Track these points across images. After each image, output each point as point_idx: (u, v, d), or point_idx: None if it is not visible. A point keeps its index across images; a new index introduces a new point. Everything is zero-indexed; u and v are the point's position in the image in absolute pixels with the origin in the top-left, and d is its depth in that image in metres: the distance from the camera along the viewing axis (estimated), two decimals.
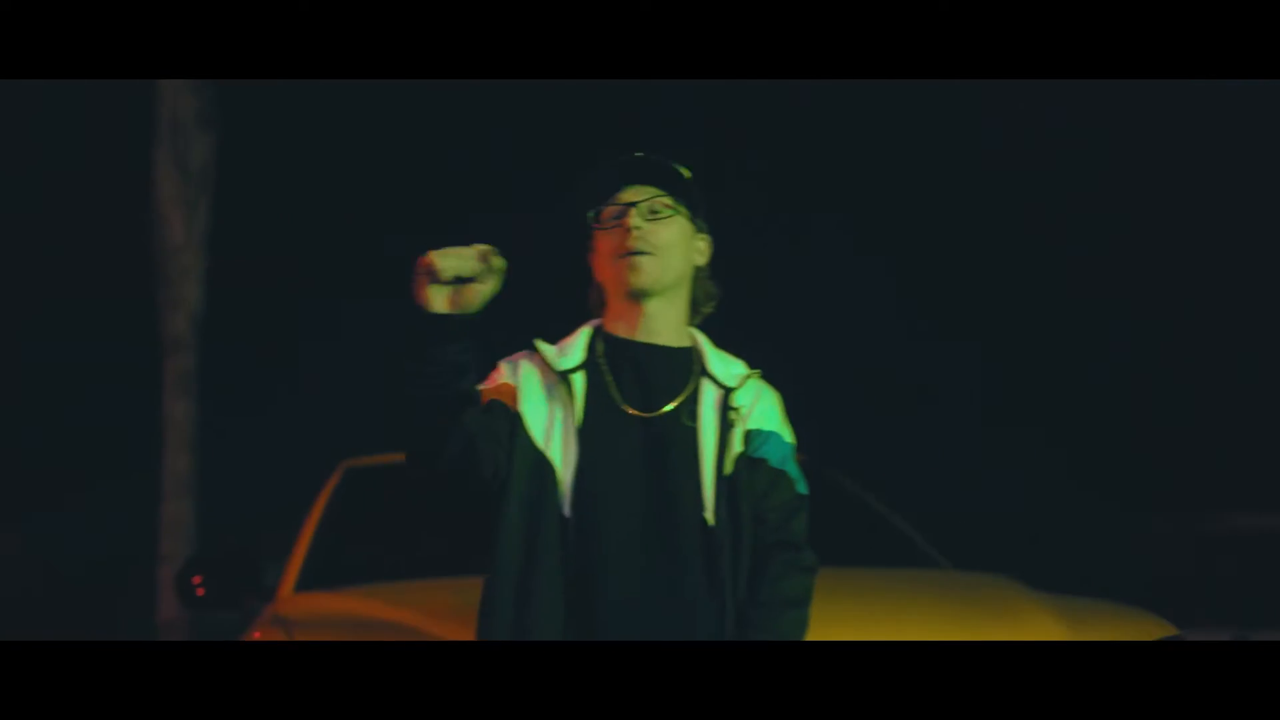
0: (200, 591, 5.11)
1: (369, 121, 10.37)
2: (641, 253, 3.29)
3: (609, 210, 3.34)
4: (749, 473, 3.29)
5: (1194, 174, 10.20)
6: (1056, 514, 10.03)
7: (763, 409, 3.37)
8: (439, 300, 3.11)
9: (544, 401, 3.29)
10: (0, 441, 10.67)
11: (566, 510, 3.22)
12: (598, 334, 3.38)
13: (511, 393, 3.29)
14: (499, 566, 3.23)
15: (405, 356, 3.11)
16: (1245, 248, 10.21)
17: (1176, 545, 10.07)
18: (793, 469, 3.35)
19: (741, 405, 3.33)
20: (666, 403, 3.29)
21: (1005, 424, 10.37)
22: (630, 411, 3.27)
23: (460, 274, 3.10)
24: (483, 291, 3.13)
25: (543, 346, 3.35)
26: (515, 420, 3.26)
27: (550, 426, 3.26)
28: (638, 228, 3.30)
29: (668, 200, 3.35)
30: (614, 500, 3.23)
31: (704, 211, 3.42)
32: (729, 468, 3.27)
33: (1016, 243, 10.59)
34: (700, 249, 3.41)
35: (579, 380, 3.29)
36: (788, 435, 3.39)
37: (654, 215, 3.33)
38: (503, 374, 3.33)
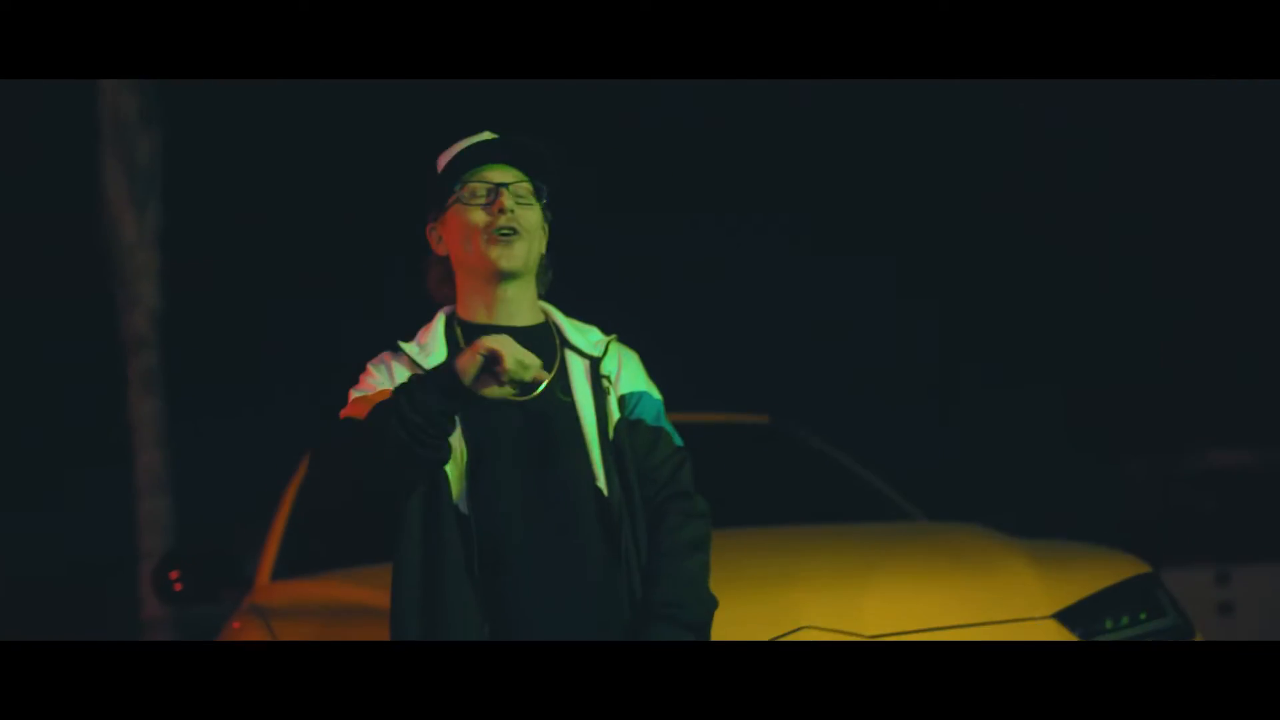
0: (178, 587, 5.10)
1: (320, 113, 10.33)
2: (514, 232, 3.27)
3: (473, 187, 3.30)
4: (630, 435, 3.31)
5: (1155, 136, 10.24)
6: (1025, 461, 10.08)
7: (629, 372, 3.39)
8: (474, 377, 3.08)
9: None
10: None
11: (464, 507, 3.19)
12: (453, 322, 3.35)
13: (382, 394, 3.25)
14: (402, 570, 3.20)
15: (410, 405, 3.07)
16: (1210, 200, 10.27)
17: (1147, 487, 10.13)
18: (667, 424, 3.37)
19: (609, 372, 3.35)
20: (537, 384, 3.24)
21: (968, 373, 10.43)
22: (504, 397, 3.19)
23: (514, 378, 3.08)
24: (505, 391, 3.11)
25: (407, 346, 3.31)
26: None
27: None
28: (510, 210, 3.27)
29: (530, 186, 3.33)
30: (506, 488, 3.21)
31: (553, 194, 3.40)
32: (612, 434, 3.28)
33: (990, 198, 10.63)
34: (544, 238, 3.40)
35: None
36: (655, 392, 3.41)
37: (520, 199, 3.31)
38: (376, 379, 3.29)
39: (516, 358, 3.06)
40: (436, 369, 3.12)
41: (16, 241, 10.55)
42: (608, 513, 3.24)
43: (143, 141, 8.99)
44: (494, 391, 3.09)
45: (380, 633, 3.59)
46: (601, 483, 3.24)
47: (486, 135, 3.36)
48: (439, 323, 3.35)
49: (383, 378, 3.28)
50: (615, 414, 3.32)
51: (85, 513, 9.99)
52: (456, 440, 3.21)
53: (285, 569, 4.89)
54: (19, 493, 10.62)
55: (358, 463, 3.11)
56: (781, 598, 3.76)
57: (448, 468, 3.20)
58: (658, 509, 3.30)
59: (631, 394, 3.36)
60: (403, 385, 3.13)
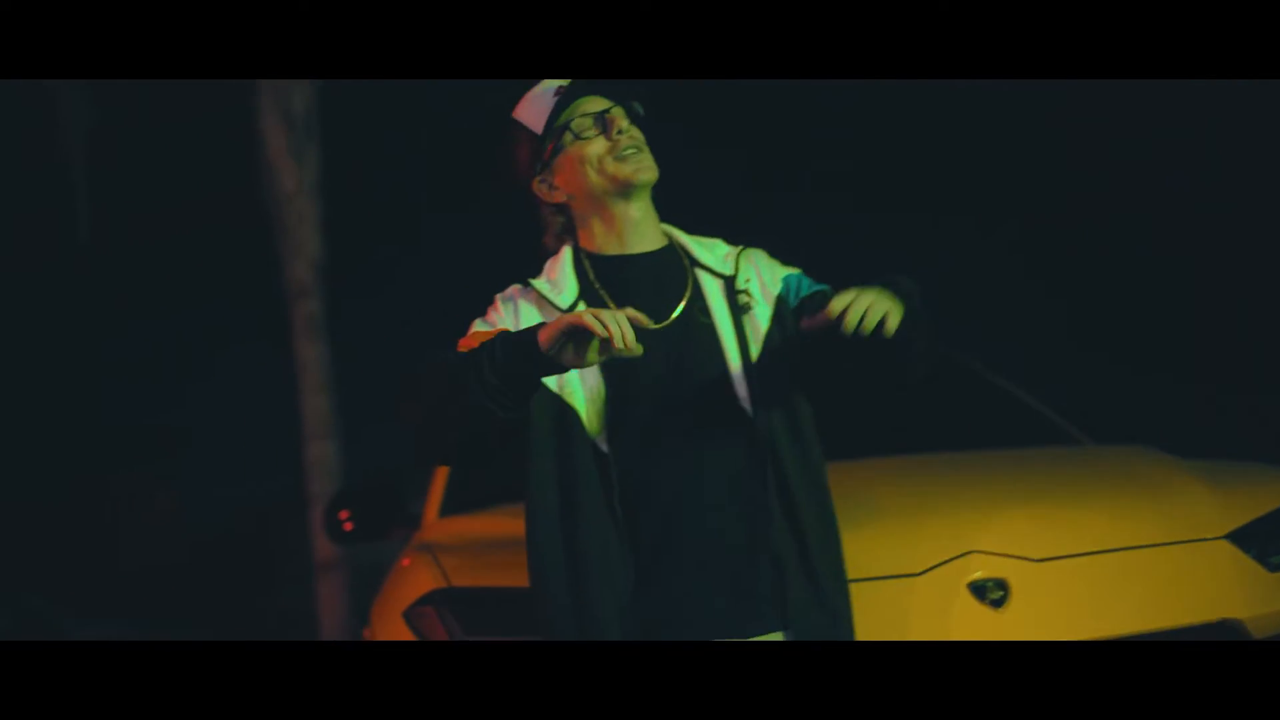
0: (348, 527, 5.18)
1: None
2: (639, 149, 3.25)
3: (578, 123, 3.27)
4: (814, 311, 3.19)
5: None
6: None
7: (767, 272, 3.32)
8: (557, 345, 2.98)
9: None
10: (144, 397, 10.85)
11: (602, 445, 3.15)
12: (580, 256, 3.31)
13: None
14: (538, 515, 3.19)
15: (491, 366, 3.00)
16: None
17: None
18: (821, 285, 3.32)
19: (748, 286, 3.28)
20: (674, 307, 3.24)
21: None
22: (642, 326, 3.14)
23: (613, 350, 2.95)
24: (591, 359, 3.00)
25: (538, 283, 3.29)
26: None
27: (564, 378, 3.19)
28: (625, 130, 3.26)
29: (623, 110, 3.30)
30: (645, 422, 3.17)
31: (645, 118, 3.38)
32: (758, 352, 3.22)
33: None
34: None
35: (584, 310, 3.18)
36: (795, 269, 3.35)
37: (634, 120, 3.30)
38: (500, 315, 3.27)
39: (608, 322, 2.92)
40: (526, 331, 3.01)
41: (176, 195, 10.74)
42: (754, 436, 3.18)
43: (299, 91, 9.09)
44: (585, 360, 2.97)
45: None
46: (745, 403, 3.19)
47: (553, 82, 3.32)
48: (566, 257, 3.32)
49: (507, 315, 3.27)
50: (764, 327, 3.25)
51: (252, 459, 10.18)
52: (594, 375, 3.18)
53: (452, 505, 4.95)
54: (187, 444, 10.85)
55: (431, 405, 3.07)
56: (946, 523, 3.74)
57: (581, 403, 3.17)
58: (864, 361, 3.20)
59: (785, 285, 3.31)
60: (489, 343, 3.03)
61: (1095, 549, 3.72)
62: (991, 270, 10.20)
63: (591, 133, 3.26)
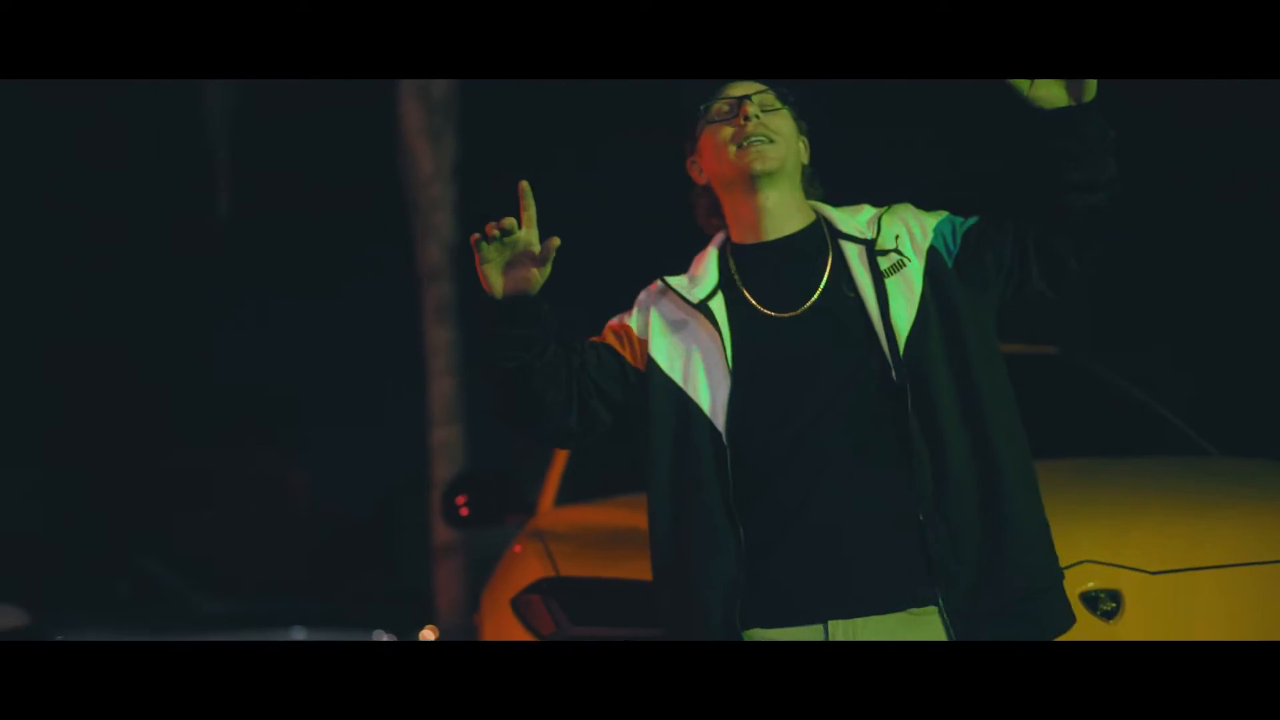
0: (464, 512, 5.21)
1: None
2: (762, 137, 3.21)
3: (717, 107, 3.26)
4: (974, 257, 3.17)
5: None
6: None
7: (915, 222, 3.25)
8: (497, 285, 3.10)
9: (680, 340, 3.21)
10: (279, 374, 10.99)
11: (725, 440, 3.12)
12: (726, 249, 3.30)
13: (637, 345, 3.24)
14: (654, 511, 3.19)
15: (481, 335, 3.14)
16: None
17: None
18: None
19: (892, 245, 3.21)
20: (813, 291, 3.19)
21: None
22: (776, 315, 3.17)
23: (509, 246, 3.06)
24: (534, 275, 3.08)
25: (673, 280, 3.28)
26: (643, 373, 3.21)
27: (689, 364, 3.18)
28: (755, 116, 3.22)
29: (773, 96, 3.27)
30: (774, 412, 3.12)
31: (805, 114, 3.34)
32: (908, 315, 3.14)
33: None
34: (801, 150, 3.33)
35: (717, 306, 3.21)
36: (942, 213, 3.28)
37: (765, 107, 3.25)
38: (630, 316, 3.28)
39: (493, 226, 3.07)
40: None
41: (316, 177, 10.86)
42: (900, 408, 3.10)
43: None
44: (518, 283, 3.08)
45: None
46: (894, 375, 3.11)
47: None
48: (711, 252, 3.31)
49: (637, 315, 3.28)
50: (918, 285, 3.16)
51: (383, 441, 10.28)
52: (718, 379, 3.15)
53: (568, 494, 4.95)
54: (326, 419, 10.98)
55: (492, 402, 3.24)
56: (1060, 532, 3.67)
57: (705, 410, 3.14)
58: (1039, 233, 3.17)
59: (937, 233, 3.23)
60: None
61: (1213, 563, 3.63)
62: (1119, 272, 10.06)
63: (723, 117, 3.25)
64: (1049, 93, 3.13)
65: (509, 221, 3.07)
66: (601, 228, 10.31)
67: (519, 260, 3.09)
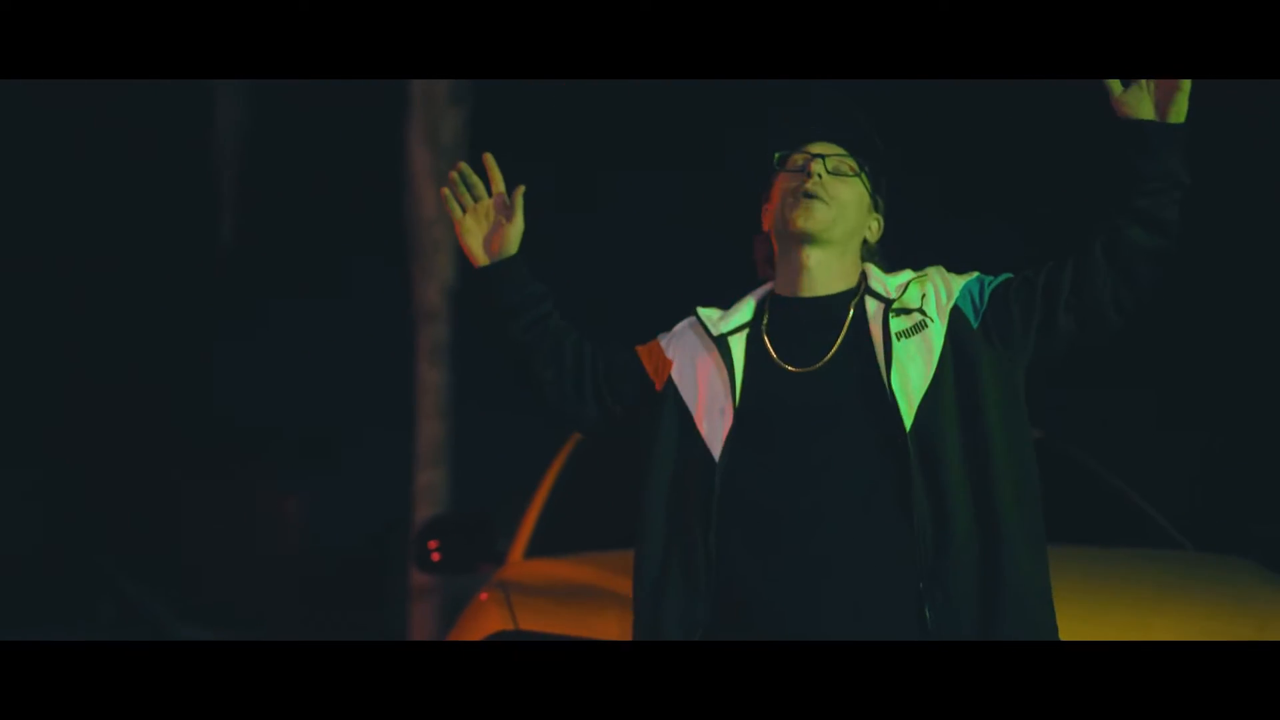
0: (435, 557, 5.19)
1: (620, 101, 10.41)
2: (816, 197, 3.22)
3: (795, 158, 3.28)
4: (1000, 314, 3.15)
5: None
6: None
7: (942, 288, 3.23)
8: (479, 253, 3.31)
9: (697, 369, 3.24)
10: (274, 406, 11.00)
11: (716, 476, 3.12)
12: (766, 297, 3.31)
13: (662, 364, 3.27)
14: (644, 538, 3.19)
15: (480, 311, 3.32)
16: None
17: None
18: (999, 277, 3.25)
19: (922, 303, 3.19)
20: (830, 348, 3.18)
21: None
22: (791, 369, 3.18)
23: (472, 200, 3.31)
24: (510, 234, 3.30)
25: (704, 313, 3.30)
26: (660, 393, 3.24)
27: (703, 396, 3.20)
28: (819, 175, 3.23)
29: (853, 163, 3.28)
30: (772, 458, 3.12)
31: (884, 192, 3.35)
32: (929, 377, 3.12)
33: None
34: (872, 227, 3.33)
35: (737, 344, 3.23)
36: (973, 274, 3.26)
37: (836, 172, 3.26)
38: (661, 345, 3.32)
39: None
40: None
41: (318, 214, 10.90)
42: (904, 472, 3.07)
43: (448, 119, 9.20)
44: (498, 246, 3.29)
45: (614, 619, 3.61)
46: (902, 436, 3.08)
47: (802, 109, 3.34)
48: (752, 296, 3.33)
49: (669, 339, 3.32)
50: (937, 345, 3.14)
51: (360, 482, 10.29)
52: (723, 415, 3.16)
53: (539, 547, 4.95)
54: (306, 459, 10.97)
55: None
56: None
57: (705, 443, 3.15)
58: (1080, 265, 3.15)
59: (964, 292, 3.21)
60: None
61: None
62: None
63: (794, 169, 3.27)
64: (1137, 100, 3.14)
65: (462, 165, 3.34)
66: (605, 271, 10.34)
67: (496, 226, 3.31)
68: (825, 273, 3.25)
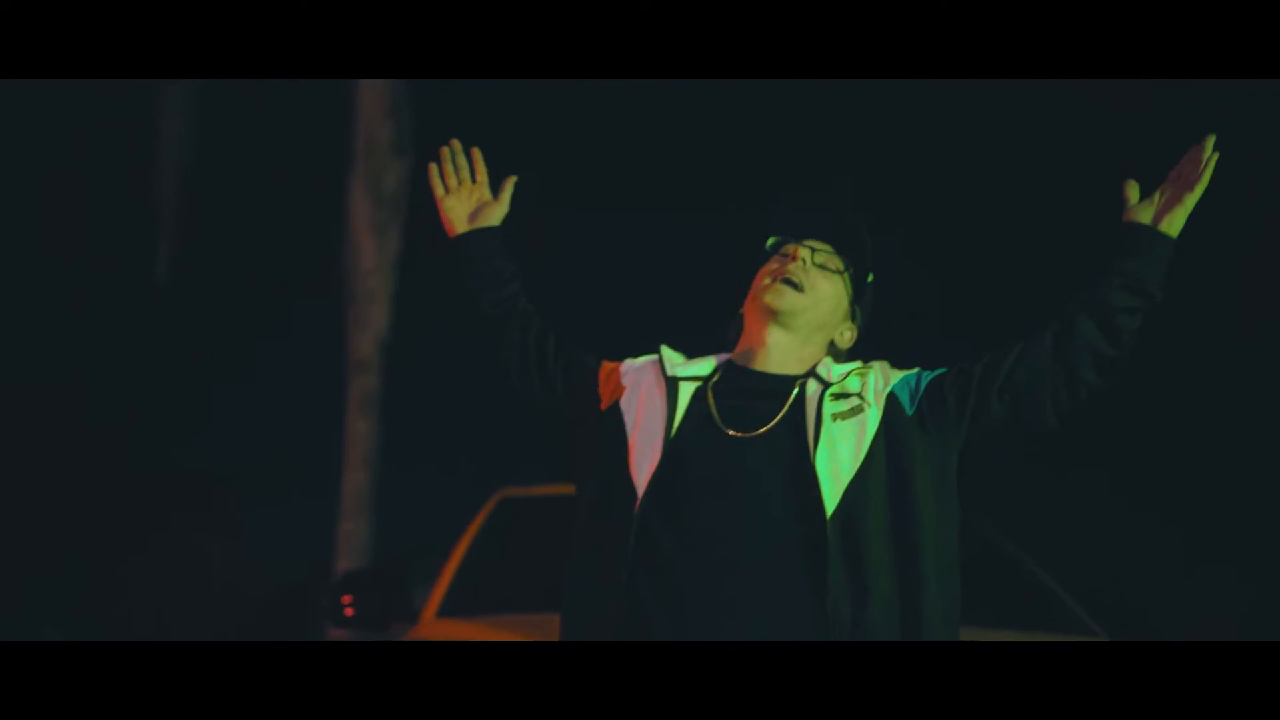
0: (349, 612, 5.16)
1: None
2: (794, 283, 3.29)
3: (788, 246, 3.36)
4: (935, 407, 3.20)
5: None
6: None
7: (880, 378, 3.28)
8: (459, 221, 3.43)
9: (643, 403, 3.28)
10: (206, 450, 10.93)
11: (636, 509, 3.14)
12: (724, 362, 3.35)
13: (616, 389, 3.31)
14: (572, 555, 3.25)
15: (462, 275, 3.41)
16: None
17: None
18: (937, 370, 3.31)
19: (860, 390, 3.24)
20: (769, 420, 3.21)
21: None
22: (730, 433, 3.21)
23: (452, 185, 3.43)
24: (493, 211, 3.43)
25: (667, 352, 3.35)
26: (604, 412, 3.28)
27: (639, 429, 3.24)
28: (804, 261, 3.31)
29: (840, 263, 3.36)
30: (691, 509, 3.14)
31: (866, 305, 3.40)
32: (858, 463, 3.16)
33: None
34: (845, 334, 3.37)
35: (685, 391, 3.26)
36: (916, 369, 3.31)
37: (821, 266, 3.33)
38: (621, 372, 3.35)
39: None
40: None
41: (257, 259, 10.87)
42: (821, 549, 3.11)
43: (391, 170, 9.21)
44: (480, 218, 3.41)
45: None
46: (826, 516, 3.12)
47: (801, 202, 3.44)
48: (710, 358, 3.36)
49: (625, 370, 3.35)
50: (871, 430, 3.19)
51: (289, 530, 10.22)
52: (651, 455, 3.19)
53: (452, 607, 4.93)
54: (225, 507, 10.91)
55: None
56: None
57: (633, 478, 3.18)
58: (1027, 352, 3.23)
59: (902, 381, 3.27)
60: None
61: None
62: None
63: (781, 255, 3.36)
64: (1143, 209, 3.25)
65: (455, 143, 3.45)
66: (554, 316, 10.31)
67: (480, 204, 3.45)
68: (781, 353, 3.30)
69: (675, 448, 3.20)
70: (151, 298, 11.07)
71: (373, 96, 9.20)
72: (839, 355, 3.36)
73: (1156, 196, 3.26)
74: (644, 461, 3.19)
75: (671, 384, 3.27)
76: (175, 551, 11.25)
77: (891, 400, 3.23)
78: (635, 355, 3.41)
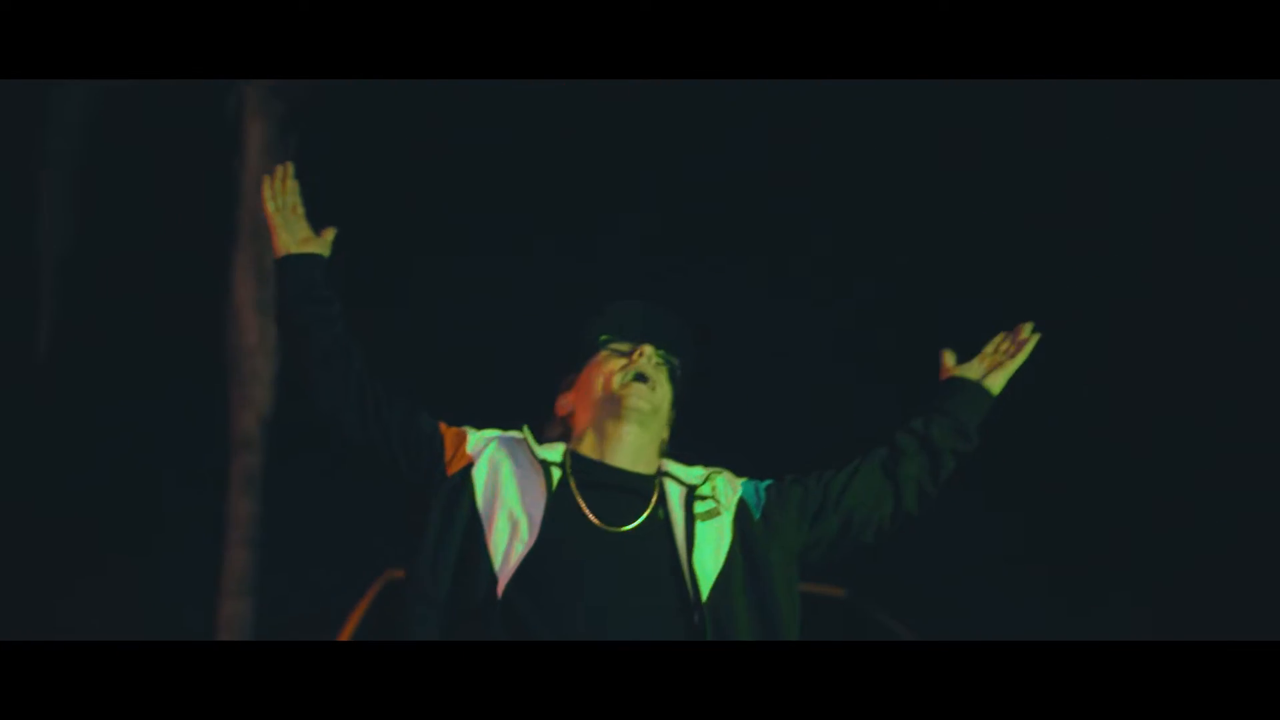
0: None
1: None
2: (648, 379, 3.43)
3: (621, 345, 3.49)
4: (777, 507, 3.43)
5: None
6: None
7: (729, 479, 3.47)
8: (286, 244, 3.49)
9: (503, 481, 3.32)
10: (55, 531, 10.80)
11: (499, 595, 3.19)
12: (568, 453, 3.43)
13: (460, 456, 3.36)
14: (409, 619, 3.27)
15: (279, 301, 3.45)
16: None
17: None
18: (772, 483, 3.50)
19: (710, 493, 3.40)
20: (635, 517, 3.34)
21: None
22: (598, 524, 3.31)
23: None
24: (320, 241, 3.51)
25: (528, 434, 3.43)
26: (450, 479, 3.32)
27: (498, 508, 3.28)
28: (651, 360, 3.46)
29: (674, 363, 3.52)
30: (560, 601, 3.21)
31: (680, 403, 3.56)
32: (720, 563, 3.30)
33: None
34: (669, 420, 3.55)
35: (557, 475, 3.34)
36: (746, 480, 3.50)
37: (659, 364, 3.49)
38: (467, 440, 3.40)
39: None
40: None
41: (139, 336, 10.80)
42: (696, 637, 3.24)
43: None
44: (281, 231, 3.49)
45: None
46: (694, 613, 3.25)
47: (636, 305, 3.57)
48: (558, 446, 3.44)
49: (475, 436, 3.41)
50: (728, 531, 3.35)
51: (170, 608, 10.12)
52: (517, 537, 3.24)
53: None
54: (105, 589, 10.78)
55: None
56: None
57: (497, 541, 3.23)
58: (849, 491, 3.48)
59: (746, 487, 3.46)
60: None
61: None
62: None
63: (620, 353, 3.47)
64: (966, 369, 3.59)
65: (288, 165, 3.55)
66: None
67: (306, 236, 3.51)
68: (634, 450, 3.43)
69: (546, 534, 3.25)
70: (33, 373, 10.96)
71: (255, 176, 9.22)
72: (664, 454, 3.51)
73: (976, 363, 3.57)
74: (504, 541, 3.24)
75: (545, 468, 3.33)
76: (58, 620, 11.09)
77: (741, 505, 3.42)
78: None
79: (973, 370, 3.57)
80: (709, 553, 3.31)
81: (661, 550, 3.31)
